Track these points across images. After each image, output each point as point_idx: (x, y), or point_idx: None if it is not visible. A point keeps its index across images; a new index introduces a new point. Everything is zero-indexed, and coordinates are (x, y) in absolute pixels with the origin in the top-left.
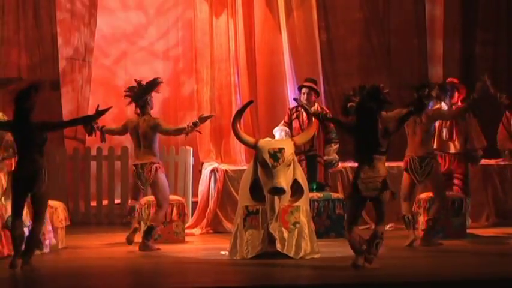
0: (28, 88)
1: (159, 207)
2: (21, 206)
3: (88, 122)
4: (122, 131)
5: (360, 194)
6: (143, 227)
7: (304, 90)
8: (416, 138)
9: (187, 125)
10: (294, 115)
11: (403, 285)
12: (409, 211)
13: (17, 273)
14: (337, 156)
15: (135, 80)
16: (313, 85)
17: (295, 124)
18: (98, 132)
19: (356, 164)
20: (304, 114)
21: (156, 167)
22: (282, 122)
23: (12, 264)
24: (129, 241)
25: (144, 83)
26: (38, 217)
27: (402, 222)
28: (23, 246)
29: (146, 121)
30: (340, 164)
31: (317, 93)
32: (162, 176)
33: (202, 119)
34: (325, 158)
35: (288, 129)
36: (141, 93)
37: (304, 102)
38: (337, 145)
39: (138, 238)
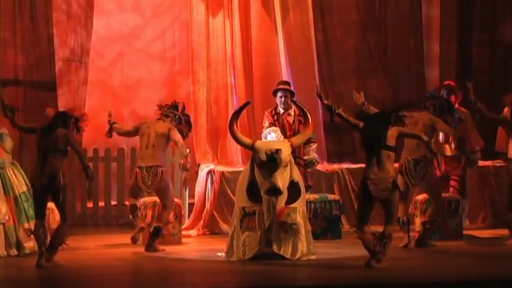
0: (58, 119)
1: (164, 209)
2: (41, 208)
3: (87, 174)
4: (132, 133)
5: (370, 194)
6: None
7: (280, 94)
8: (413, 140)
9: (186, 157)
10: (275, 117)
11: (399, 287)
12: (405, 213)
13: (15, 274)
14: (316, 156)
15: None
16: (287, 87)
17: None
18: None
19: (353, 166)
20: (284, 117)
21: (161, 171)
22: (268, 124)
23: (38, 264)
24: (134, 240)
25: (180, 111)
26: (62, 217)
27: (397, 224)
28: (48, 243)
29: (162, 126)
30: (336, 166)
31: (292, 94)
32: (167, 180)
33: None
34: (305, 157)
35: (278, 128)
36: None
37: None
38: (316, 144)
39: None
